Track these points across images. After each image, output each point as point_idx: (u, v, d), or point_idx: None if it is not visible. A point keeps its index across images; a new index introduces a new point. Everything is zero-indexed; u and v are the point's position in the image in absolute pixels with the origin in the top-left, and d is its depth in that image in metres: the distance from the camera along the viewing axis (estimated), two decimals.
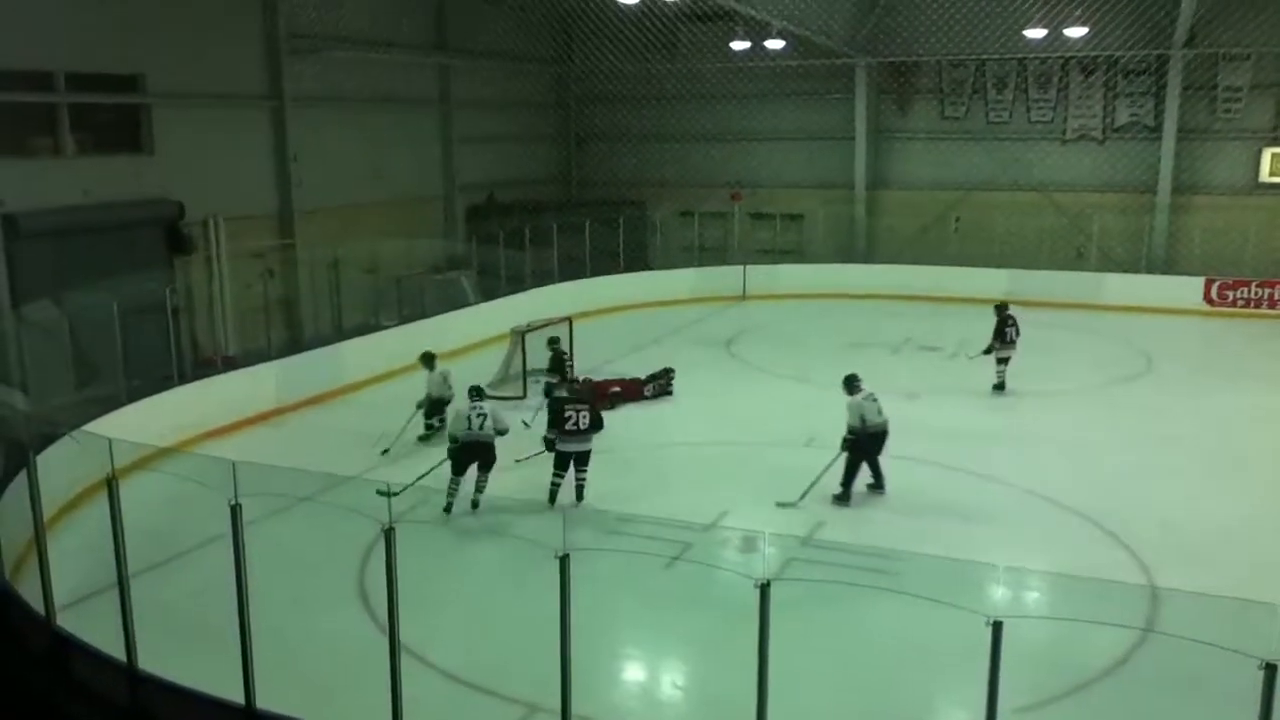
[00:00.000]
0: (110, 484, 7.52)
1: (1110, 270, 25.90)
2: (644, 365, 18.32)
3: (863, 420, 12.27)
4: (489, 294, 22.83)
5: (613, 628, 9.31)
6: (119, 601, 7.57)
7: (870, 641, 9.15)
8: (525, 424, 13.72)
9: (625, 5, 22.33)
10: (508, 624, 9.41)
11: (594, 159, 31.79)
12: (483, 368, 17.02)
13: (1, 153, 16.35)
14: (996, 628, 5.44)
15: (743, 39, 25.37)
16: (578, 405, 12.29)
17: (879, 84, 28.93)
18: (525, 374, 17.37)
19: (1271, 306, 24.13)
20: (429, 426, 14.71)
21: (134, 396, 14.24)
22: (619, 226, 26.79)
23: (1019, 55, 26.61)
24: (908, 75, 28.51)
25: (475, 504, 12.11)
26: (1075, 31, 23.29)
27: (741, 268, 27.11)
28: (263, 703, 6.99)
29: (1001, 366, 17.39)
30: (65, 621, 8.29)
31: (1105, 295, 24.86)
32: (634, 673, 9.19)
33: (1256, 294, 24.32)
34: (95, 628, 7.97)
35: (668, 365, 17.92)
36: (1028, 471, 13.41)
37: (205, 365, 18.01)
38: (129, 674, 7.51)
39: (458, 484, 12.08)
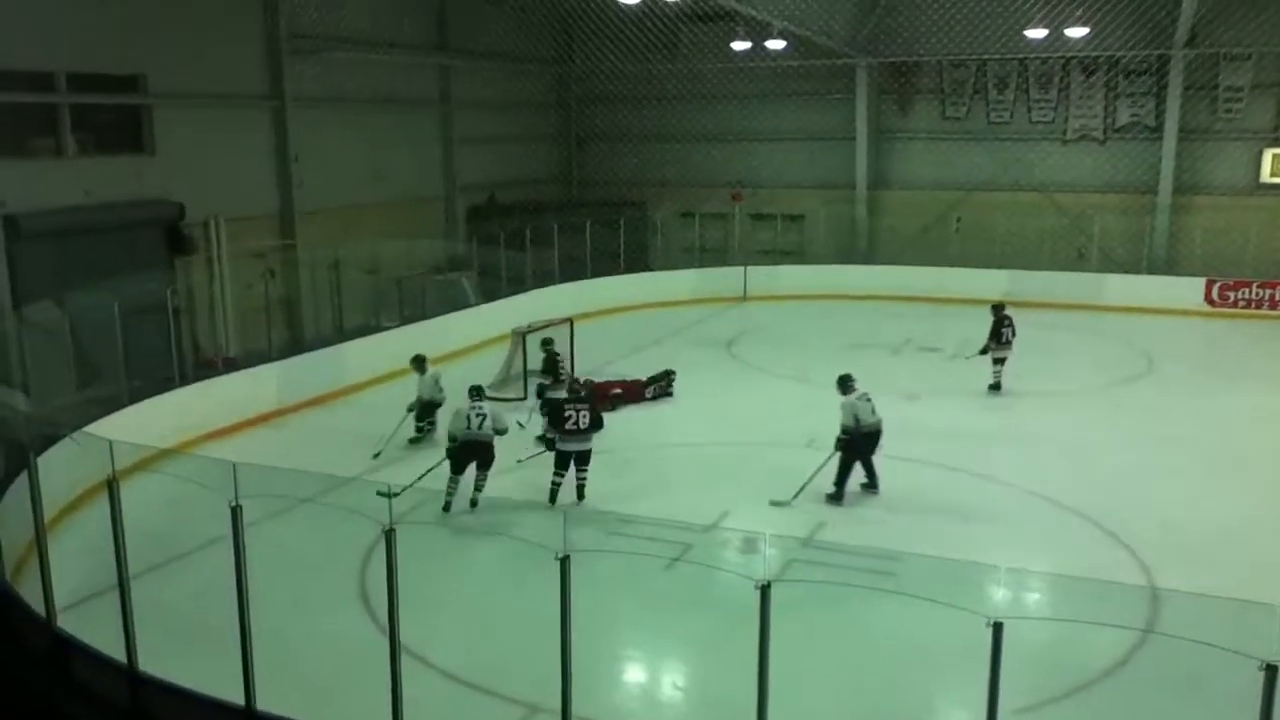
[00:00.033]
0: (111, 485, 7.52)
1: (1111, 271, 25.89)
2: (645, 366, 18.32)
3: (856, 420, 12.34)
4: (490, 295, 22.83)
5: (613, 628, 9.31)
6: (119, 603, 7.57)
7: (871, 642, 9.16)
8: (520, 425, 13.73)
9: (626, 6, 22.34)
10: (508, 625, 9.42)
11: (595, 159, 31.79)
12: (483, 369, 17.02)
13: (2, 153, 16.36)
14: (997, 628, 5.44)
15: (743, 39, 25.37)
16: (578, 405, 12.33)
17: (880, 84, 28.93)
18: (526, 375, 17.36)
19: (1272, 307, 24.11)
20: (419, 429, 14.70)
21: (135, 397, 14.23)
22: (620, 227, 26.78)
23: (1020, 55, 26.60)
24: (908, 75, 28.51)
25: (474, 503, 12.15)
26: (1076, 32, 23.29)
27: (742, 268, 27.11)
28: (263, 704, 7.00)
29: (998, 367, 17.42)
30: (66, 623, 8.29)
31: (1106, 296, 24.85)
32: (634, 674, 9.19)
33: (1257, 295, 24.31)
34: (96, 629, 7.97)
35: (668, 367, 17.93)
36: (1028, 472, 13.41)
37: (206, 366, 18.03)
38: (129, 675, 7.51)
39: (457, 483, 12.14)
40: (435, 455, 13.21)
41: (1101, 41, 24.72)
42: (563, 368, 15.27)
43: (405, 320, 20.52)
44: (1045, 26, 23.63)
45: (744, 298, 26.53)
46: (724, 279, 26.73)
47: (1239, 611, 6.24)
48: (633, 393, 17.03)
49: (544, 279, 23.80)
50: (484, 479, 12.23)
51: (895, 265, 27.12)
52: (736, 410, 16.84)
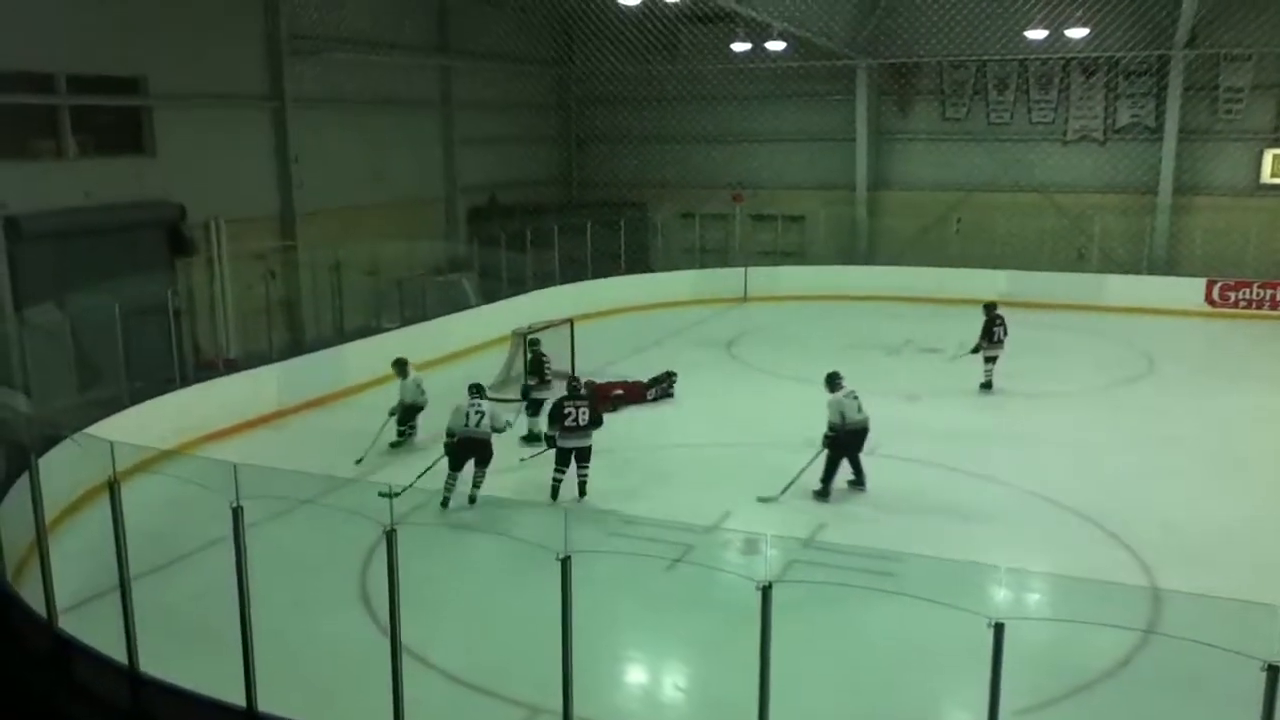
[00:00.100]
0: (112, 487, 7.52)
1: (1111, 271, 25.90)
2: (645, 367, 18.33)
3: (843, 417, 12.44)
4: (490, 296, 22.83)
5: (614, 629, 9.31)
6: (121, 604, 7.57)
7: (872, 643, 9.16)
8: (509, 423, 13.72)
9: (626, 7, 22.32)
10: (509, 625, 9.42)
11: (595, 160, 31.79)
12: (484, 370, 17.00)
13: (3, 155, 16.37)
14: (998, 629, 5.44)
15: (743, 40, 25.37)
16: (577, 402, 12.45)
17: (880, 85, 28.93)
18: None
19: (1273, 308, 24.11)
20: (401, 433, 14.67)
21: (136, 399, 14.23)
22: (620, 228, 26.78)
23: (1020, 56, 26.60)
24: (908, 76, 28.52)
25: (473, 499, 12.24)
26: (1076, 32, 23.29)
27: (742, 269, 27.11)
28: (264, 705, 7.00)
29: (989, 365, 17.51)
30: (67, 624, 8.29)
31: (1106, 296, 24.85)
32: (636, 675, 9.20)
33: (1258, 295, 24.30)
34: (97, 630, 7.96)
35: (669, 368, 17.93)
36: (1029, 472, 13.41)
37: (207, 367, 18.03)
38: (130, 676, 7.51)
39: (455, 479, 12.24)
40: (416, 459, 13.32)
41: (1102, 42, 24.73)
42: (548, 368, 15.30)
43: (406, 321, 20.51)
44: (1045, 27, 23.63)
45: (744, 298, 26.53)
46: (724, 280, 26.73)
47: (1240, 612, 6.25)
48: (634, 394, 17.04)
49: (544, 280, 23.81)
50: (482, 475, 12.34)
51: (895, 266, 27.12)
52: (737, 411, 16.84)
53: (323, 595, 10.09)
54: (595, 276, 24.93)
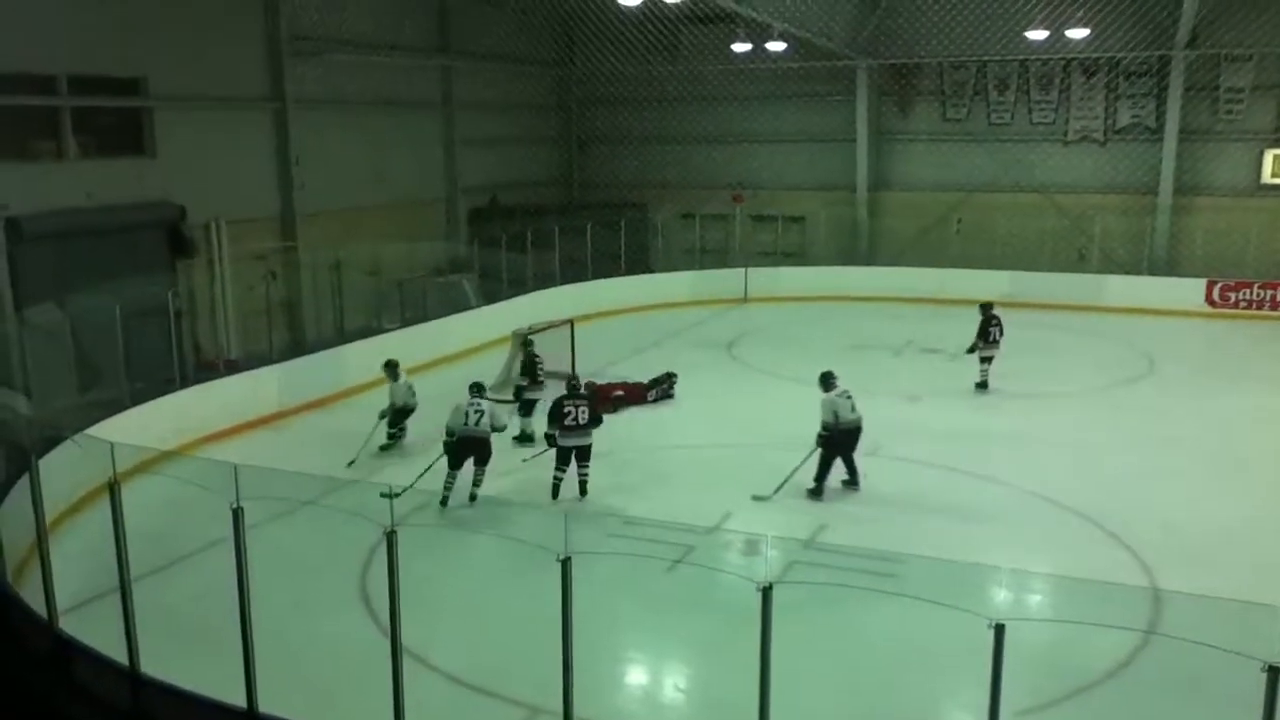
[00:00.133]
0: (112, 487, 7.52)
1: (1112, 272, 25.90)
2: (645, 368, 18.33)
3: (836, 416, 12.50)
4: (491, 297, 22.83)
5: (615, 630, 9.31)
6: (121, 605, 7.57)
7: (873, 644, 9.16)
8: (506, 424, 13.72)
9: (626, 8, 22.33)
10: (510, 626, 9.42)
11: (595, 161, 31.80)
12: (484, 370, 16.98)
13: (4, 156, 16.38)
14: (999, 630, 5.44)
15: (744, 41, 25.36)
16: (576, 400, 12.50)
17: (880, 86, 28.93)
18: None
19: (1274, 308, 24.10)
20: (390, 436, 14.64)
21: (136, 400, 14.23)
22: (620, 229, 26.77)
23: (1020, 57, 26.60)
24: (909, 77, 28.51)
25: (473, 497, 12.31)
26: (1077, 33, 23.28)
27: (743, 270, 27.10)
28: (265, 706, 6.99)
29: (985, 365, 17.54)
30: (67, 625, 8.29)
31: (1107, 297, 24.85)
32: (636, 675, 9.19)
33: (1258, 295, 24.30)
34: (97, 631, 7.96)
35: (669, 368, 17.93)
36: (1029, 473, 13.41)
37: (207, 368, 18.02)
38: (131, 677, 7.51)
39: (454, 477, 12.28)
40: (410, 461, 13.34)
41: (1102, 43, 24.74)
42: (541, 369, 15.32)
43: (406, 322, 20.51)
44: (1046, 28, 23.62)
45: (745, 299, 26.52)
46: (725, 281, 26.73)
47: (1241, 613, 6.25)
48: (635, 395, 17.05)
49: (545, 281, 23.81)
50: (482, 474, 12.41)
51: (896, 267, 27.14)
52: (737, 412, 16.84)
53: (323, 596, 10.09)
54: (595, 277, 24.93)
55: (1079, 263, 26.59)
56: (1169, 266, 25.88)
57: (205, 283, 19.35)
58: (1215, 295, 24.57)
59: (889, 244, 28.70)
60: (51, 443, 10.64)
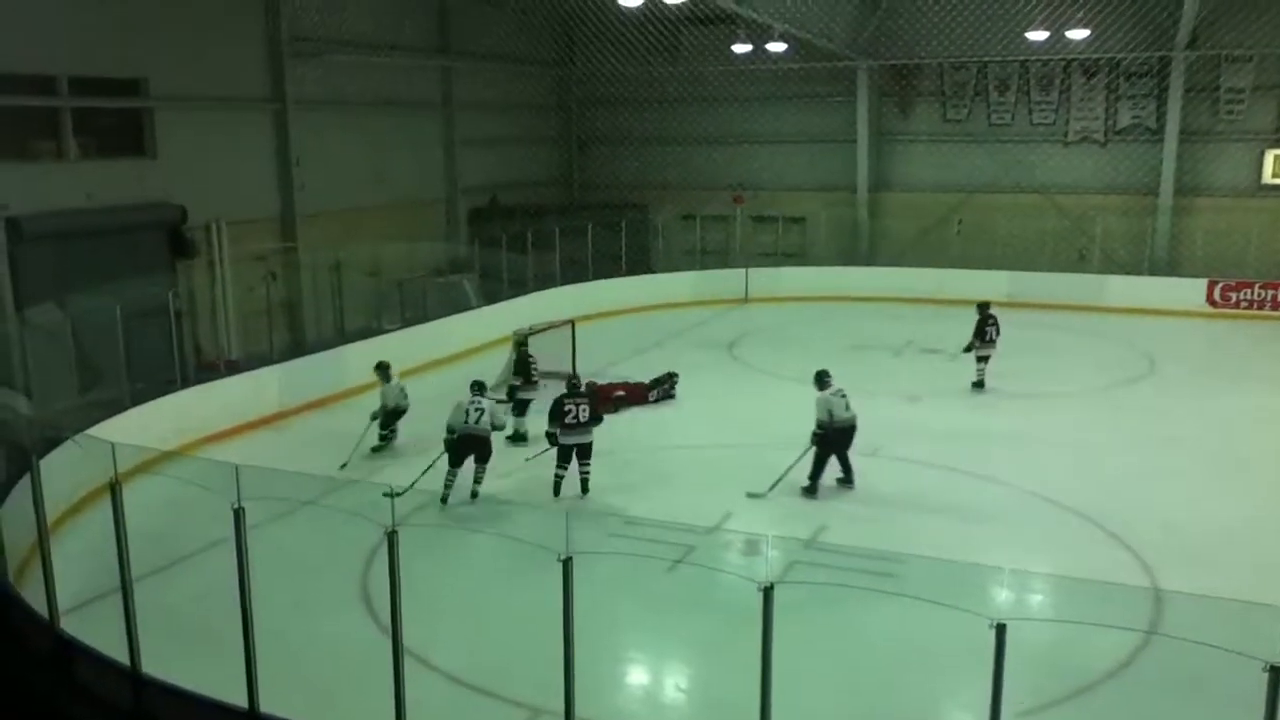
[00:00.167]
0: (113, 488, 7.52)
1: (1113, 272, 25.91)
2: (646, 368, 18.33)
3: (831, 415, 12.55)
4: (491, 297, 22.83)
5: (616, 630, 9.31)
6: (122, 605, 7.58)
7: (873, 644, 9.16)
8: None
9: (627, 8, 22.32)
10: (510, 626, 9.42)
11: (596, 162, 31.80)
12: (484, 371, 16.97)
13: (5, 156, 16.39)
14: (1000, 630, 5.44)
15: (744, 42, 25.38)
16: (577, 399, 12.58)
17: (881, 86, 28.93)
18: None
19: (1274, 308, 24.10)
20: (382, 438, 14.62)
21: (137, 400, 14.24)
22: (621, 230, 26.77)
23: (1021, 58, 26.60)
24: (909, 78, 28.52)
25: (474, 494, 12.37)
26: (1077, 34, 23.29)
27: (743, 270, 27.10)
28: (266, 706, 7.00)
29: (981, 365, 17.56)
30: (69, 625, 8.30)
31: (1108, 297, 24.86)
32: (637, 676, 9.19)
33: (1259, 296, 24.30)
34: (98, 631, 7.97)
35: (670, 369, 17.94)
36: (1030, 473, 13.41)
37: (208, 369, 18.02)
38: (132, 677, 7.51)
39: (454, 475, 12.33)
40: (404, 463, 13.35)
41: (1102, 43, 24.74)
42: (535, 369, 15.35)
43: (406, 323, 20.53)
44: (1046, 28, 23.61)
45: (745, 300, 26.53)
46: (725, 281, 26.73)
47: (1242, 613, 6.25)
48: (636, 395, 17.05)
49: (545, 281, 23.82)
50: (482, 472, 12.46)
51: (897, 267, 27.14)
52: (738, 412, 16.84)
53: (324, 596, 10.09)
54: (596, 278, 24.93)
55: (1079, 263, 26.59)
56: (1170, 267, 25.88)
57: (206, 283, 19.36)
58: (1216, 295, 24.57)
59: (889, 244, 28.70)
60: (52, 443, 10.63)
